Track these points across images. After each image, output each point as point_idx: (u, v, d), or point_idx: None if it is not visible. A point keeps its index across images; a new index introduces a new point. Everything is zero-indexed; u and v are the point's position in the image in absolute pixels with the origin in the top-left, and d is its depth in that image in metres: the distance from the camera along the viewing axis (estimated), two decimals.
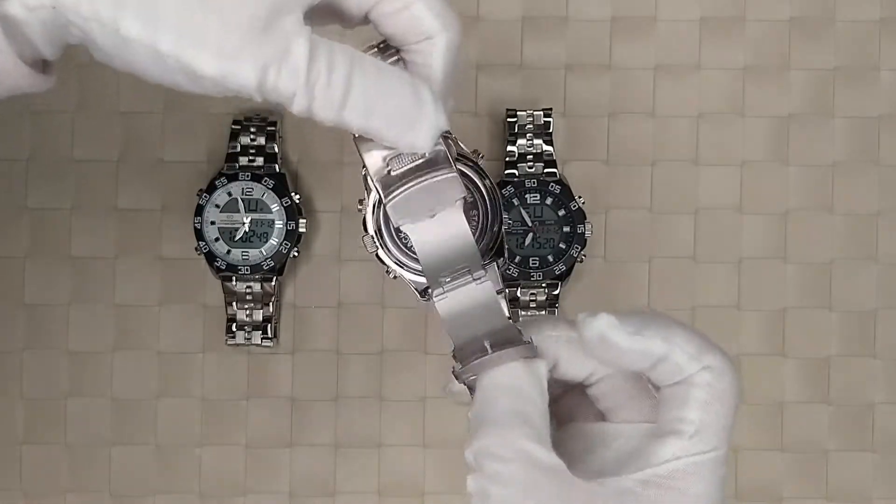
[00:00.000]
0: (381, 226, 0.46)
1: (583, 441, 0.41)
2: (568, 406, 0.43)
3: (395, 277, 0.46)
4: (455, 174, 0.41)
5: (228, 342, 0.64)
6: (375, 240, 0.46)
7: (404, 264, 0.45)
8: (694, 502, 0.38)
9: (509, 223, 0.62)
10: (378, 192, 0.41)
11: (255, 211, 0.64)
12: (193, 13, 0.37)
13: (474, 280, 0.42)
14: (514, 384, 0.39)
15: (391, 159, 0.41)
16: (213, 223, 0.64)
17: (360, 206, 0.46)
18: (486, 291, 0.42)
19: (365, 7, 0.40)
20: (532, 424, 0.38)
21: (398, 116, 0.39)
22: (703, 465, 0.38)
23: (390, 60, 0.41)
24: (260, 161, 0.64)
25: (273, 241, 0.64)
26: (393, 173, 0.41)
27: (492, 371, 0.40)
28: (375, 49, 0.42)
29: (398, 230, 0.44)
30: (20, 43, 0.38)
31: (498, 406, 0.39)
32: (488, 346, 0.40)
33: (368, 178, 0.42)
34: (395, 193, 0.41)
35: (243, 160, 0.64)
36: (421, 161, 0.41)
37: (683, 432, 0.38)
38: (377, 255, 0.46)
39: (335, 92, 0.38)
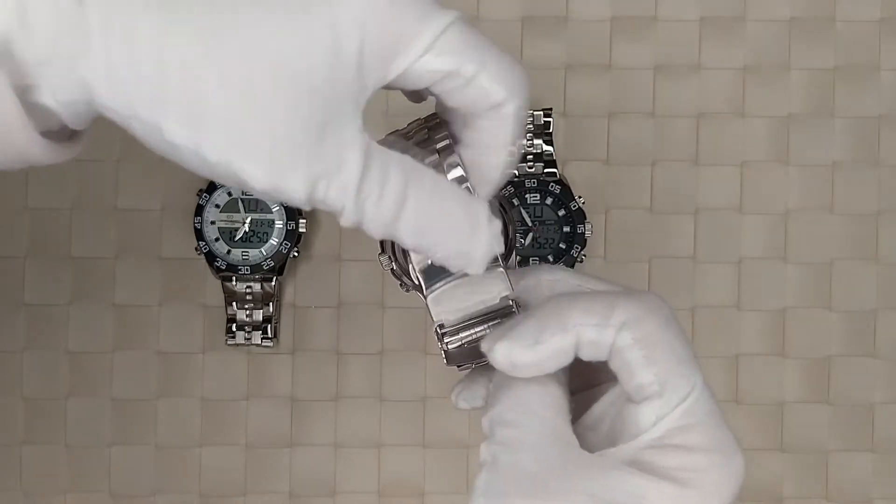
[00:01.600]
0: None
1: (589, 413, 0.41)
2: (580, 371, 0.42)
3: (407, 291, 0.44)
4: (502, 270, 0.39)
5: (228, 342, 0.64)
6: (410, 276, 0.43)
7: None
8: (701, 455, 0.37)
9: (522, 242, 0.62)
10: (420, 283, 0.40)
11: (254, 211, 0.64)
12: (243, 121, 0.34)
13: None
14: None
15: None
16: (213, 223, 0.64)
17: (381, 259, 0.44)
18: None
19: (425, 84, 0.38)
20: (552, 395, 0.38)
21: (451, 240, 0.37)
22: (692, 411, 0.37)
23: (448, 160, 0.39)
24: None
25: (273, 241, 0.64)
26: (435, 263, 0.39)
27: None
28: (425, 130, 0.40)
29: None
30: (42, 119, 0.35)
31: (518, 377, 0.38)
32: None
33: (412, 269, 0.40)
34: (437, 286, 0.39)
35: None
36: None
37: (652, 395, 0.37)
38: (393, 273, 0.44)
39: (386, 209, 0.36)
